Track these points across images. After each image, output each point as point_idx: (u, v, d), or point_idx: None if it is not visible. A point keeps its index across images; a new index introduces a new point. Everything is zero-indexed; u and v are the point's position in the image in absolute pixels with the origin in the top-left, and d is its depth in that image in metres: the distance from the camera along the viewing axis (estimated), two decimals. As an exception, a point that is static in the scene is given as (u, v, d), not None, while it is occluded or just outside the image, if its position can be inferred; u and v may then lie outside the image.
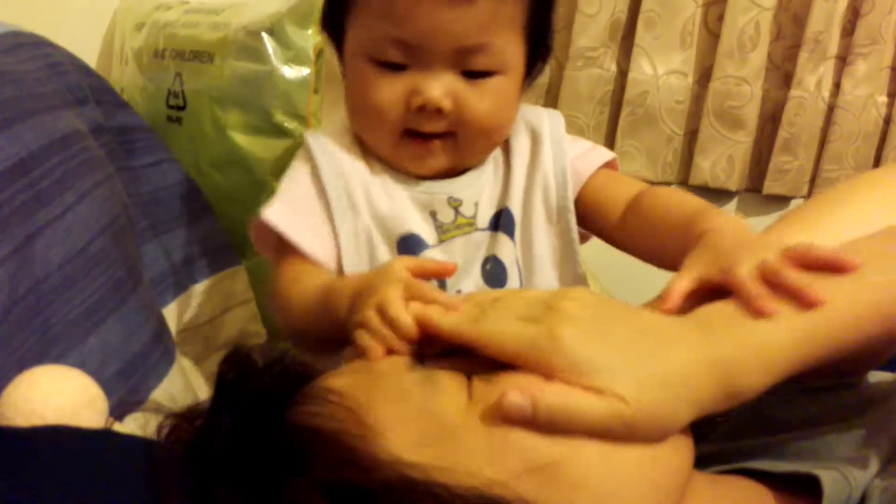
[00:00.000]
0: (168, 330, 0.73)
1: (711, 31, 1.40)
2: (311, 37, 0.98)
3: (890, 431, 0.50)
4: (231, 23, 1.00)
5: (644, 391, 0.38)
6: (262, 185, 0.99)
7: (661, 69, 1.39)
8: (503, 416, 0.37)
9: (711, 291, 0.47)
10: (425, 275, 0.51)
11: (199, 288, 0.90)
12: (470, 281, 0.67)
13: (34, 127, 0.63)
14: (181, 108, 1.03)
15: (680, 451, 0.41)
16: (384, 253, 0.66)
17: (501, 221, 0.68)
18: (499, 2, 0.61)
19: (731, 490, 0.47)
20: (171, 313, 0.82)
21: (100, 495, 0.38)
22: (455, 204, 0.68)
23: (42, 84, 0.72)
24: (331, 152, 0.68)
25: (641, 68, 1.38)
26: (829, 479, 0.44)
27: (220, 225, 0.98)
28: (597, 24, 1.35)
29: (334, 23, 0.68)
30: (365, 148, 0.69)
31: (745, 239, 0.51)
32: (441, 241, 0.67)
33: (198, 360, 0.82)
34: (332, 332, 0.53)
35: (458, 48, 0.61)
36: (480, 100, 0.63)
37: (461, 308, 0.44)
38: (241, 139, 0.99)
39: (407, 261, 0.50)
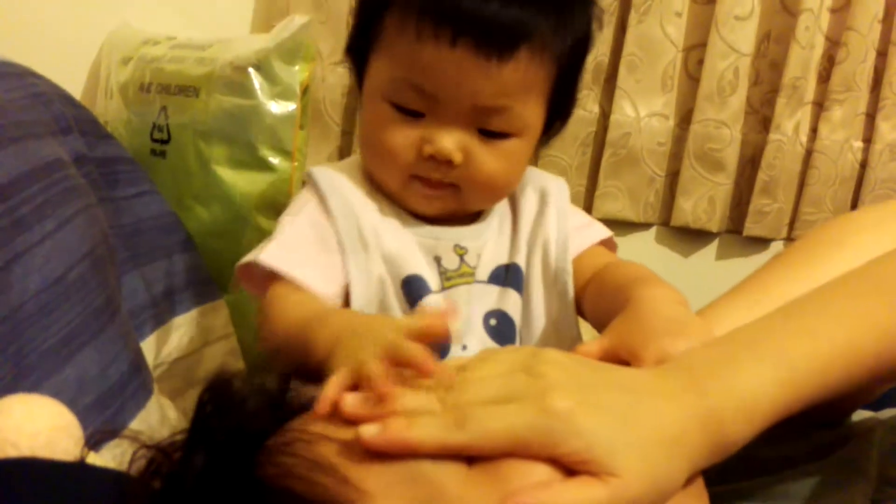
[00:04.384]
0: (146, 361, 0.72)
1: (692, 76, 1.42)
2: (297, 73, 0.98)
3: (870, 471, 0.49)
4: (218, 58, 1.00)
5: (643, 459, 0.36)
6: (246, 219, 0.99)
7: (643, 111, 1.41)
8: None
9: None
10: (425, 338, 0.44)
11: (179, 321, 0.89)
12: (474, 338, 0.65)
13: (16, 153, 0.63)
14: (165, 142, 1.03)
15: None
16: (393, 294, 0.64)
17: (509, 276, 0.68)
18: (526, 70, 0.60)
19: None
20: (150, 346, 0.80)
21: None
22: (461, 252, 0.67)
23: (25, 112, 0.71)
24: (340, 188, 0.66)
25: (624, 110, 1.40)
26: None
27: (202, 259, 0.97)
28: (580, 67, 1.37)
29: (358, 53, 0.67)
30: (374, 186, 0.68)
31: (668, 317, 0.50)
32: (444, 288, 0.65)
33: (176, 394, 0.81)
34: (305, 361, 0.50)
35: (477, 107, 0.60)
36: (490, 159, 0.62)
37: (435, 412, 0.38)
38: (225, 173, 0.99)
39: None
